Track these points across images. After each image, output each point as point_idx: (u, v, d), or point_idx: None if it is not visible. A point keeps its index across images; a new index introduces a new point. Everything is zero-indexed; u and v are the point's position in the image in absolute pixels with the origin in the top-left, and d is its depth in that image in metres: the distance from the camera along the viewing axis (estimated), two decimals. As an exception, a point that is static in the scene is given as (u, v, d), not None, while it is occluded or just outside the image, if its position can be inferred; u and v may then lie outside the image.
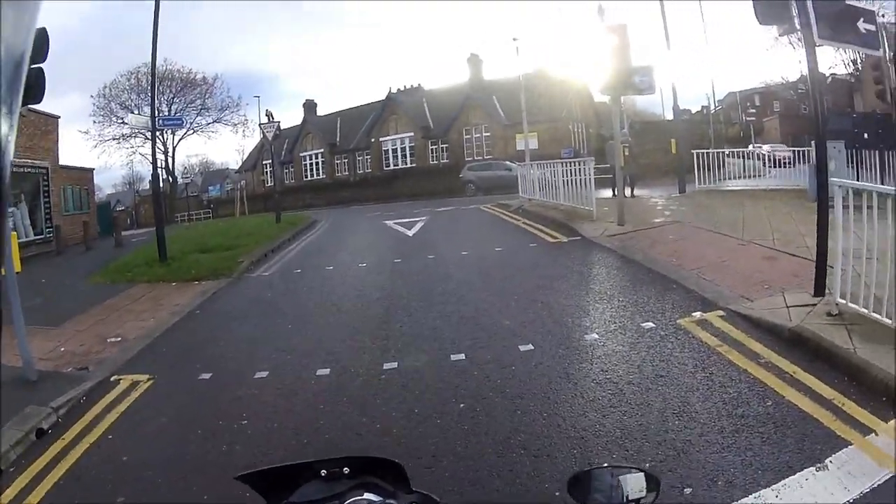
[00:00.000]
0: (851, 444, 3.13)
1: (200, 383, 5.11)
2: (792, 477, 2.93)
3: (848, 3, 5.74)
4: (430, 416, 3.99)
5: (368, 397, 4.42)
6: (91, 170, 27.79)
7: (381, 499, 0.98)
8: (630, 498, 1.04)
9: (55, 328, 7.37)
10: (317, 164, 44.45)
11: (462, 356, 4.98)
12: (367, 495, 0.98)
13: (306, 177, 44.67)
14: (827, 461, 3.02)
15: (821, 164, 5.75)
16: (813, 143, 6.81)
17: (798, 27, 5.57)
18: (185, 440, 4.02)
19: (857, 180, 12.03)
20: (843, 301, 4.76)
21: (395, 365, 4.96)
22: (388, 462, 1.04)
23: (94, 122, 43.06)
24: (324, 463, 1.04)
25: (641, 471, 1.10)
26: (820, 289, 5.37)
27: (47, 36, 5.37)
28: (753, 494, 2.83)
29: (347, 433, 3.90)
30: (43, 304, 8.76)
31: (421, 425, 3.87)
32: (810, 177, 10.52)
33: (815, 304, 5.16)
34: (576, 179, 12.51)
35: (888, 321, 4.28)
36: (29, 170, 18.54)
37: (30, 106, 6.76)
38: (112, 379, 5.43)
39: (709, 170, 16.20)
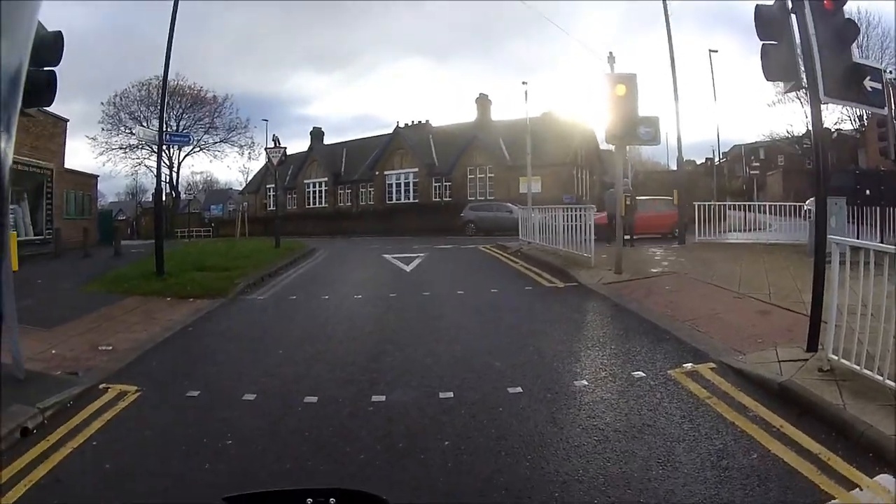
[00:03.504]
0: (835, 499, 3.14)
1: (188, 400, 5.10)
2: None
3: (856, 61, 5.71)
4: (413, 450, 3.98)
5: (354, 428, 4.42)
6: (95, 176, 28.13)
7: None
8: None
9: (47, 330, 7.36)
10: (320, 192, 44.77)
11: (450, 394, 4.99)
12: None
13: (309, 204, 44.94)
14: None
15: (819, 222, 5.75)
16: (814, 199, 6.83)
17: (804, 84, 5.58)
18: (168, 455, 4.01)
19: (858, 236, 12.10)
20: (836, 357, 4.76)
21: (383, 398, 4.96)
22: (375, 497, 1.08)
23: (103, 129, 43.67)
24: (311, 492, 1.07)
25: None
26: (813, 344, 5.35)
27: (62, 39, 5.24)
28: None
29: (330, 462, 3.89)
30: (36, 306, 8.73)
31: (404, 459, 3.87)
32: (810, 232, 10.42)
33: (806, 360, 5.17)
34: (576, 225, 12.59)
35: (879, 378, 4.28)
36: (34, 169, 18.60)
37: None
38: (100, 387, 5.41)
39: (709, 222, 16.27)
